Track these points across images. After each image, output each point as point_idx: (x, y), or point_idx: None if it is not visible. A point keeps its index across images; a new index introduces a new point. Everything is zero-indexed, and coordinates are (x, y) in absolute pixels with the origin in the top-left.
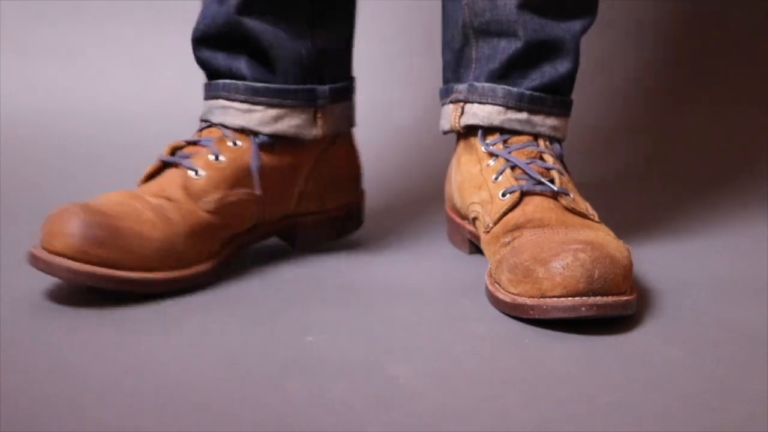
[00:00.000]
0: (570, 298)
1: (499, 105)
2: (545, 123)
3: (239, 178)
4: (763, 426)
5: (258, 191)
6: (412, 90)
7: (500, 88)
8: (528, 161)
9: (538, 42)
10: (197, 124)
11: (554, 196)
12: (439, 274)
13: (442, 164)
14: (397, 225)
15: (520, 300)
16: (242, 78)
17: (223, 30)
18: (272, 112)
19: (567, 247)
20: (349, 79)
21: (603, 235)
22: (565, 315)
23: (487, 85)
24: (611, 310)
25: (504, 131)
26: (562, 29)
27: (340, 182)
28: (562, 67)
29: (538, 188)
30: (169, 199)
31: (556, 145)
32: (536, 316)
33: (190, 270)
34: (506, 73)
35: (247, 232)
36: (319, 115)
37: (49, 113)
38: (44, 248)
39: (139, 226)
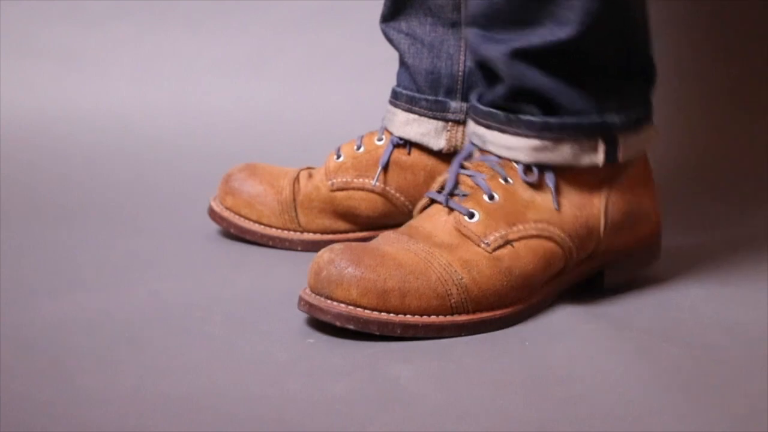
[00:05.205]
0: (303, 289)
1: (471, 117)
2: (497, 141)
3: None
4: (762, 425)
5: (375, 182)
6: None
7: (472, 99)
8: (469, 173)
9: (477, 62)
10: (198, 125)
11: (449, 210)
12: None
13: None
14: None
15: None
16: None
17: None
18: (403, 116)
19: (341, 244)
20: None
21: (418, 257)
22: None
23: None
24: (319, 312)
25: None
26: (494, 49)
27: None
28: (499, 89)
29: (439, 197)
30: None
31: (520, 167)
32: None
33: None
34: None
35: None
36: (448, 128)
37: (49, 114)
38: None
39: None
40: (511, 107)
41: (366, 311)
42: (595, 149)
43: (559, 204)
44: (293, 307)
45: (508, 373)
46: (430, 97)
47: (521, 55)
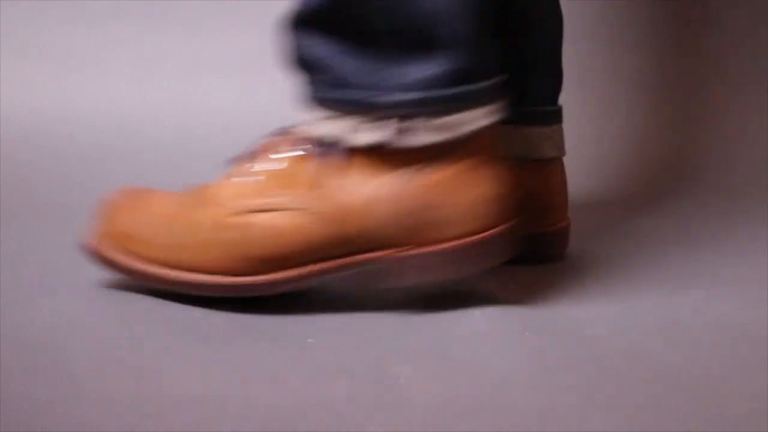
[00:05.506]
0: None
1: None
2: (300, 114)
3: None
4: (762, 425)
5: None
6: None
7: None
8: (272, 141)
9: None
10: (198, 125)
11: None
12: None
13: None
14: None
15: None
16: None
17: None
18: None
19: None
20: None
21: (171, 212)
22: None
23: None
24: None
25: None
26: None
27: None
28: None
29: (229, 161)
30: None
31: (311, 139)
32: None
33: None
34: None
35: None
36: None
37: (49, 114)
38: None
39: None
40: (304, 78)
41: (111, 254)
42: (377, 128)
43: (337, 182)
44: (293, 306)
45: (509, 372)
46: None
47: (297, 22)
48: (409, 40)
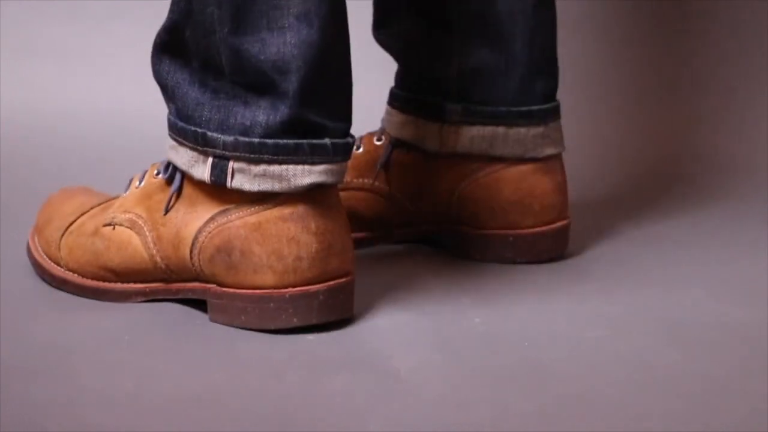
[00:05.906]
0: None
1: None
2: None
3: None
4: (763, 426)
5: (374, 182)
6: None
7: None
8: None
9: None
10: None
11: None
12: (439, 274)
13: None
14: None
15: None
16: None
17: None
18: (400, 118)
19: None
20: None
21: (70, 212)
22: None
23: None
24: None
25: None
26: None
27: None
28: None
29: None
30: None
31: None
32: None
33: None
34: None
35: None
36: (444, 129)
37: (49, 114)
38: None
39: None
40: (167, 103)
41: (33, 244)
42: (203, 163)
43: (178, 209)
44: None
45: (507, 368)
46: (426, 99)
47: (158, 46)
48: (249, 82)
